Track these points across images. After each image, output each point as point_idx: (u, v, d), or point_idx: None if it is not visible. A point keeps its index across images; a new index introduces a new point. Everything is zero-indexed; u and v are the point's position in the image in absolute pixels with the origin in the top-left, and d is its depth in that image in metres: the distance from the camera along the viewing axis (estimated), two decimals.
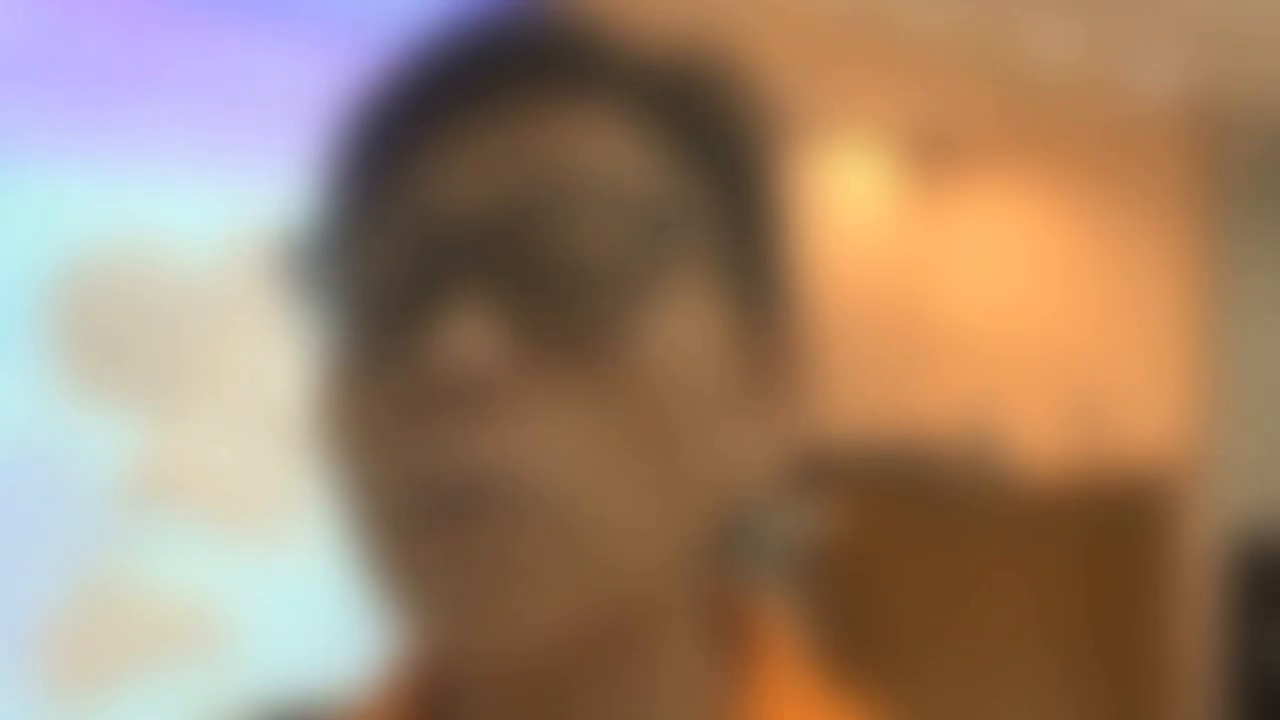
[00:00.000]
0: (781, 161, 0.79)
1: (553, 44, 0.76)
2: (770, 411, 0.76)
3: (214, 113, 2.51)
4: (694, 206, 0.75)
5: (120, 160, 2.61)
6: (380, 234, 0.73)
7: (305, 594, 2.51)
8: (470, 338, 0.70)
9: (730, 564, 0.79)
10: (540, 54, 0.75)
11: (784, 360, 0.78)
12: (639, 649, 0.75)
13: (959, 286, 6.21)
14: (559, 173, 0.72)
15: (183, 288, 2.56)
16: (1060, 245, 6.32)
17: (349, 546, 0.76)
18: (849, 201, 5.84)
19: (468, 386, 0.70)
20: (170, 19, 2.58)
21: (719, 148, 0.76)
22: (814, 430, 0.77)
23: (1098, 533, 5.56)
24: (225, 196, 2.53)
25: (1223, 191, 6.12)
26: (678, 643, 0.76)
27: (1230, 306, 6.12)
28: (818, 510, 4.77)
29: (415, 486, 0.71)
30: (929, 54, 5.07)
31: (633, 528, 0.72)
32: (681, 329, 0.73)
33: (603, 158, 0.73)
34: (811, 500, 4.72)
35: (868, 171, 5.92)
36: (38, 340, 2.60)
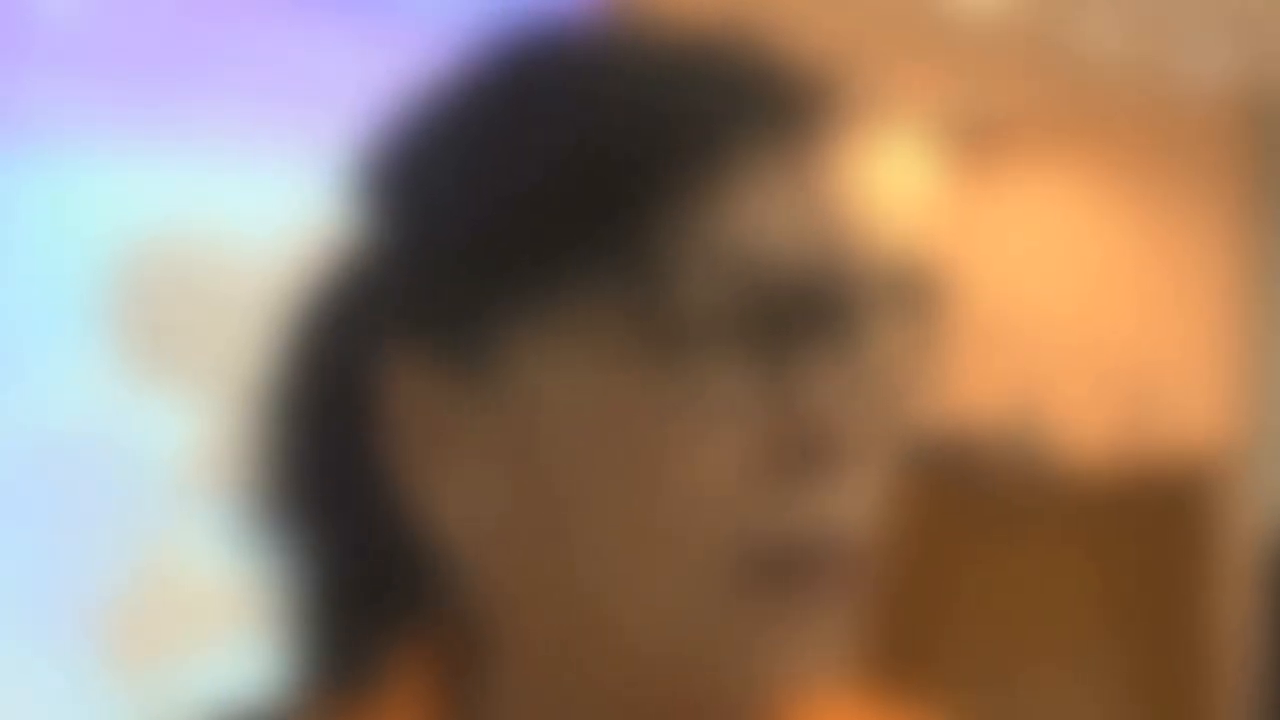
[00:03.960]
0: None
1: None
2: None
3: (274, 103, 2.55)
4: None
5: (180, 150, 2.64)
6: (679, 267, 0.69)
7: None
8: (832, 389, 0.69)
9: None
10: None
11: None
12: None
13: (1004, 274, 6.20)
14: (836, 205, 0.74)
15: (240, 276, 2.60)
16: (1107, 234, 6.31)
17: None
18: (894, 189, 5.84)
19: (833, 440, 0.69)
20: (228, 10, 2.61)
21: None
22: None
23: (1141, 520, 5.56)
24: (282, 186, 2.56)
25: (1269, 180, 6.09)
26: None
27: (1276, 295, 6.09)
28: None
29: (758, 541, 0.69)
30: (976, 41, 5.07)
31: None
32: None
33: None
34: None
35: (914, 158, 5.92)
36: (98, 325, 2.64)
